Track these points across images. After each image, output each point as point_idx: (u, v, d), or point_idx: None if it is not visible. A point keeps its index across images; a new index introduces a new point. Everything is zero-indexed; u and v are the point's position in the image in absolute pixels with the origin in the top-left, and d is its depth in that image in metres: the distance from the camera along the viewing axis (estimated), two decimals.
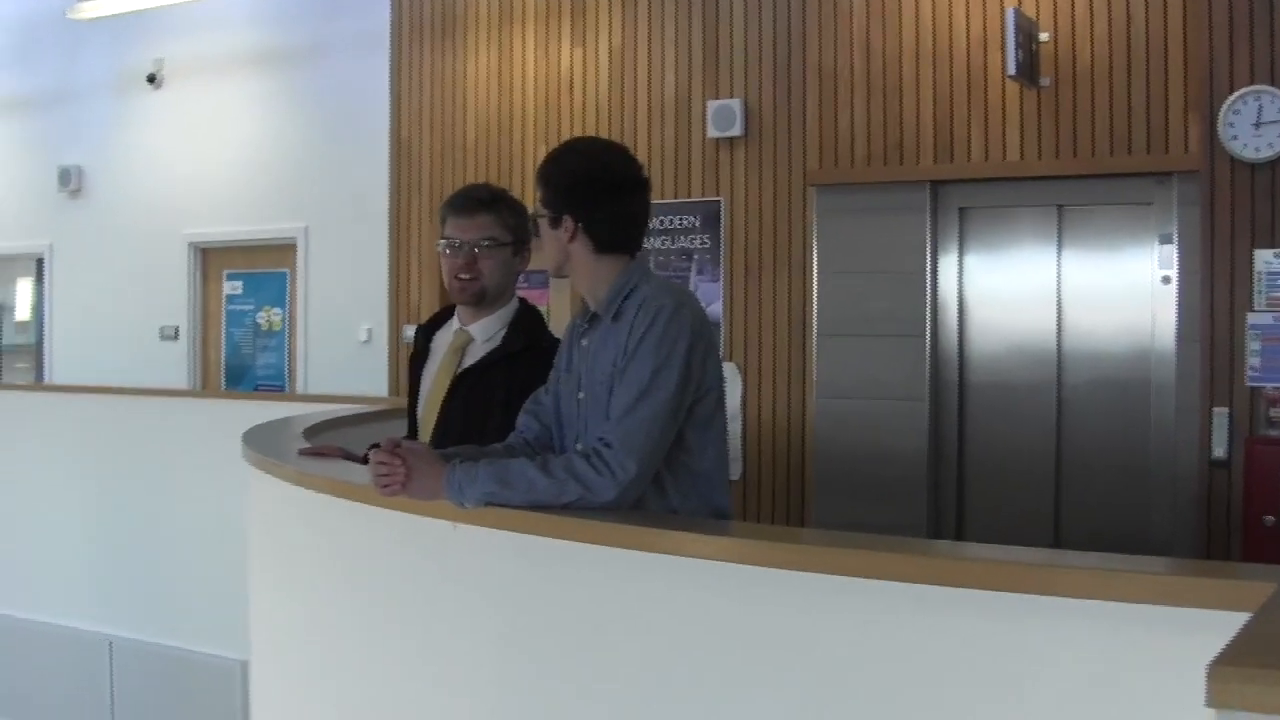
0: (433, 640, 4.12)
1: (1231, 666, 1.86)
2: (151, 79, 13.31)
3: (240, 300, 13.04)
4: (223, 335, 13.20)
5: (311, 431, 6.29)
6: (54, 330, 14.41)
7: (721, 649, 3.38)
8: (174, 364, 13.20)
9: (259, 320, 12.90)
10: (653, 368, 3.79)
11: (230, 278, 13.13)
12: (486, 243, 5.02)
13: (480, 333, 5.10)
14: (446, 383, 5.05)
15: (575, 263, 4.13)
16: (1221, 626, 2.22)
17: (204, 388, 13.17)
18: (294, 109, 12.56)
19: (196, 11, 12.37)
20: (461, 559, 3.98)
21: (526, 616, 3.81)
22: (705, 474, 4.00)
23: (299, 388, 12.37)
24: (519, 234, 5.10)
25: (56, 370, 14.25)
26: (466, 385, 4.99)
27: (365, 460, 5.06)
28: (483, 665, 3.92)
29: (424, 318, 10.55)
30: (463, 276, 5.02)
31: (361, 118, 11.99)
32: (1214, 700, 1.81)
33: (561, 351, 4.30)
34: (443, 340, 5.25)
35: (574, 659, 3.69)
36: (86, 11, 12.55)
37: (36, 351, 14.89)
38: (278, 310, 12.77)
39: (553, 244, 4.15)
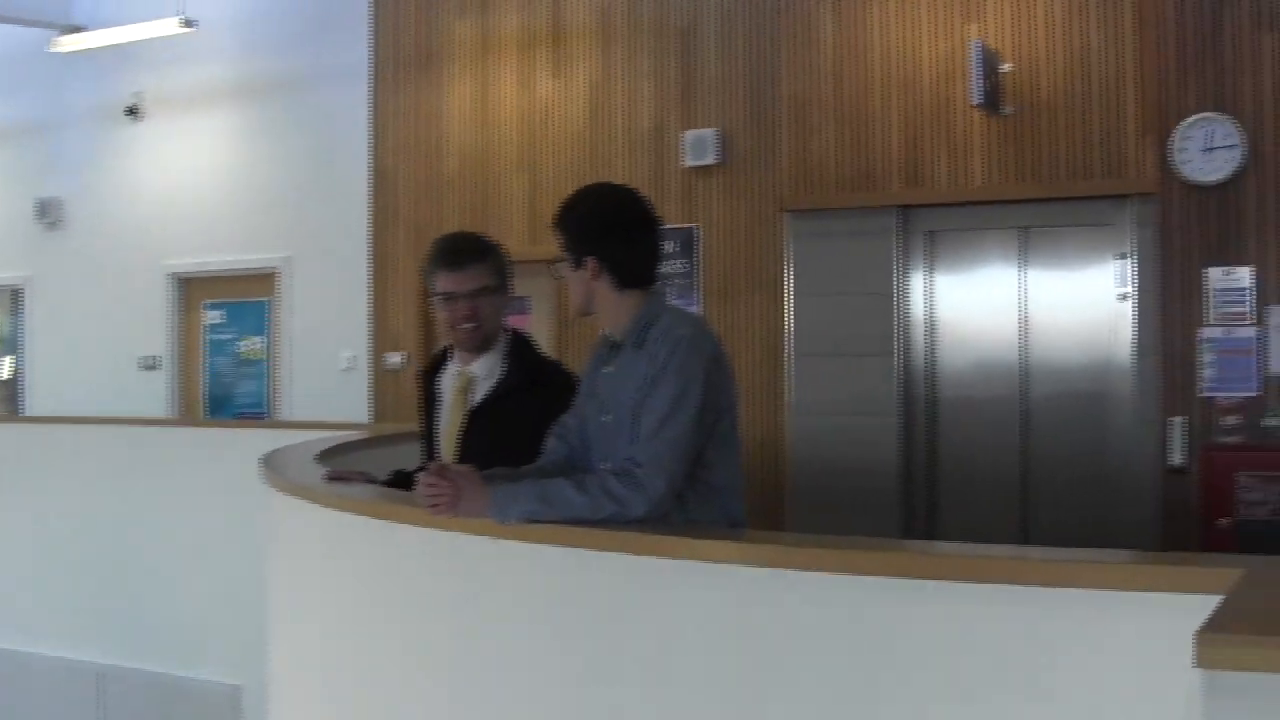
0: (473, 650, 4.38)
1: (1216, 633, 2.29)
2: (131, 111, 13.46)
3: (221, 330, 13.21)
4: (203, 365, 13.35)
5: (321, 457, 6.49)
6: (33, 362, 14.50)
7: (741, 645, 3.70)
8: (154, 394, 13.32)
9: (240, 349, 13.08)
10: (676, 392, 4.09)
11: (210, 307, 13.28)
12: (482, 291, 5.26)
13: (481, 370, 5.34)
14: (459, 422, 5.32)
15: (600, 300, 4.42)
16: (1197, 608, 2.59)
17: (185, 417, 13.25)
18: (274, 140, 12.76)
19: (176, 45, 12.50)
20: (502, 572, 4.25)
21: (565, 623, 4.09)
22: (722, 487, 4.30)
23: (281, 416, 12.53)
24: (504, 275, 5.38)
25: (36, 402, 14.32)
26: (478, 422, 5.25)
27: (390, 484, 5.45)
28: (526, 672, 4.19)
29: (404, 346, 11.01)
30: (465, 326, 5.25)
31: (342, 148, 12.22)
32: (1201, 661, 2.22)
33: (586, 378, 4.59)
34: (447, 382, 5.50)
35: (611, 660, 3.98)
36: (68, 45, 12.70)
37: (13, 383, 14.98)
38: (259, 339, 12.95)
39: (577, 285, 4.44)
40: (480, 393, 5.31)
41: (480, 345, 5.32)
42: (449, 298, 5.25)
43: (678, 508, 4.17)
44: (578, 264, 4.42)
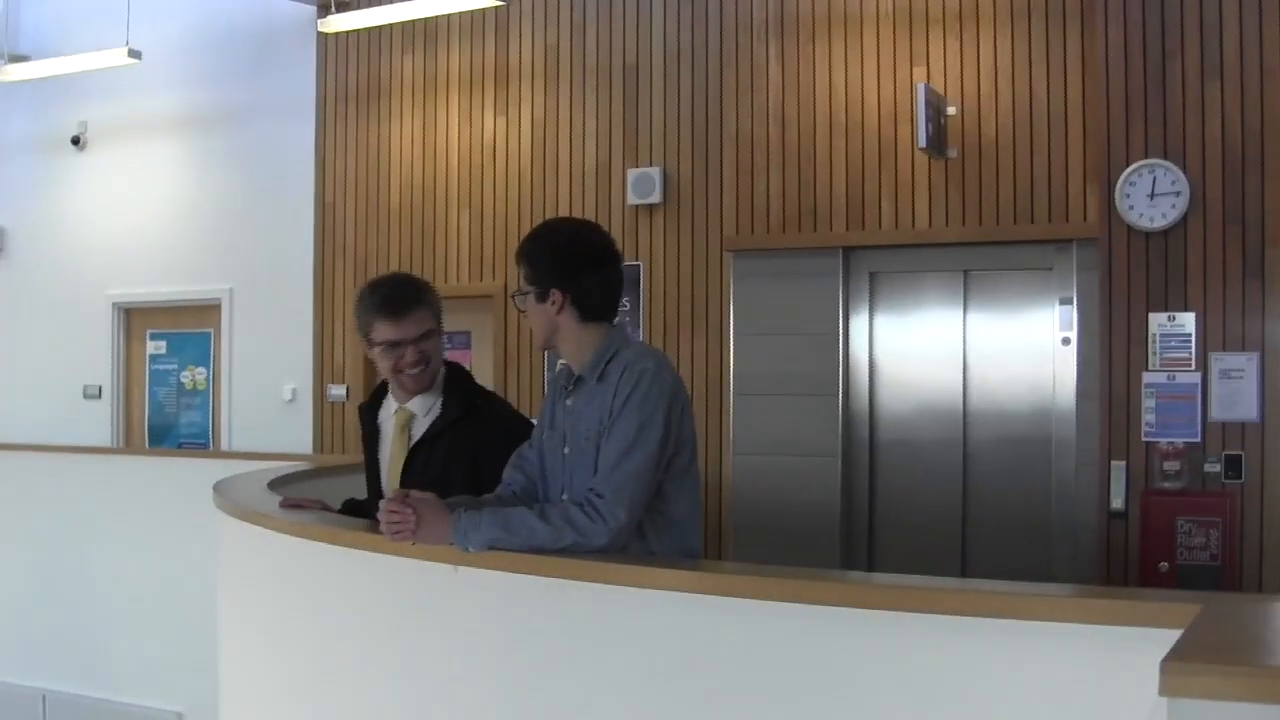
0: (429, 677, 4.42)
1: (1181, 661, 2.36)
2: (76, 141, 13.43)
3: (164, 360, 13.17)
4: (146, 394, 13.30)
5: (273, 485, 6.49)
6: None
7: (694, 672, 3.76)
8: (97, 423, 13.27)
9: (183, 379, 13.04)
10: (638, 424, 4.15)
11: (154, 337, 13.23)
12: (428, 335, 5.27)
13: (420, 407, 5.35)
14: (402, 458, 5.32)
15: (563, 333, 4.46)
16: (1156, 642, 2.64)
17: (127, 446, 13.21)
18: (219, 172, 12.71)
19: (122, 76, 12.45)
20: (461, 598, 4.30)
21: (523, 650, 4.14)
22: (680, 520, 4.36)
23: (223, 446, 12.49)
24: (440, 312, 5.39)
25: None
26: (420, 457, 5.25)
27: (343, 512, 5.48)
28: (483, 698, 4.23)
29: (348, 378, 10.93)
30: (412, 371, 5.25)
31: (287, 181, 12.22)
32: (1166, 690, 2.29)
33: (545, 410, 4.64)
34: (387, 418, 5.50)
35: (567, 687, 4.02)
36: (13, 74, 12.59)
37: None
38: (202, 370, 12.92)
39: (541, 317, 4.48)
40: (420, 429, 5.33)
41: (429, 387, 5.34)
42: (395, 346, 5.23)
43: (637, 539, 4.23)
44: (542, 297, 4.44)
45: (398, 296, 5.31)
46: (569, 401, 4.47)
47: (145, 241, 13.04)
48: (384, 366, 5.32)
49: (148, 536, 10.24)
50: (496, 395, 5.82)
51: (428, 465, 5.18)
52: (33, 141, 13.88)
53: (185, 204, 12.88)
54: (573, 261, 4.45)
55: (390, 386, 5.46)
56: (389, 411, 5.48)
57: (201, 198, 12.80)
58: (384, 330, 5.24)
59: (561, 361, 4.63)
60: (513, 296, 4.67)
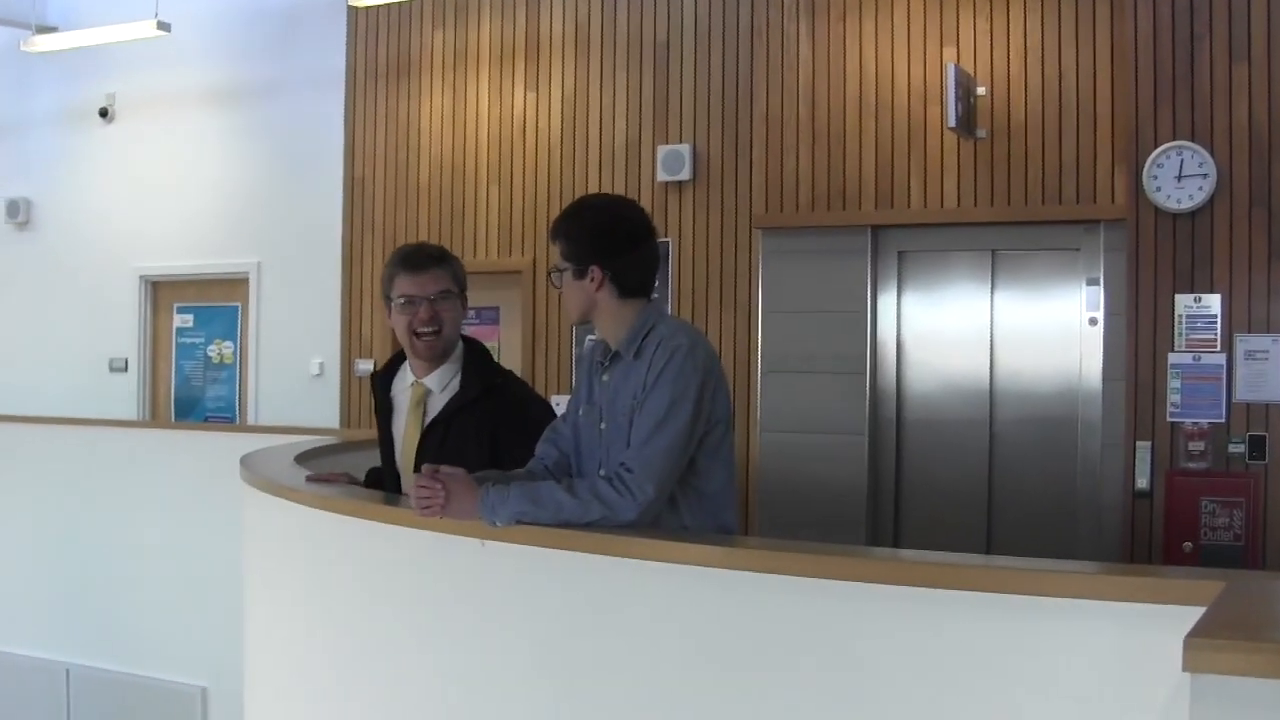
0: (456, 651, 4.43)
1: (1203, 638, 2.38)
2: (104, 113, 13.43)
3: (190, 333, 13.19)
4: (172, 368, 13.31)
5: (300, 459, 6.50)
6: (0, 362, 14.29)
7: (724, 645, 3.77)
8: (123, 396, 13.29)
9: (210, 353, 13.06)
10: (669, 400, 4.17)
11: (181, 311, 13.25)
12: (444, 295, 5.31)
13: (436, 383, 5.35)
14: (416, 435, 5.33)
15: (600, 309, 4.49)
16: (1179, 619, 2.66)
17: (153, 419, 13.24)
18: (248, 145, 12.73)
19: (150, 48, 12.42)
20: (489, 573, 4.31)
21: (550, 624, 4.15)
22: (714, 495, 4.38)
23: (250, 420, 12.53)
24: (463, 284, 5.44)
25: (3, 402, 13.96)
26: (435, 436, 5.26)
27: (366, 481, 5.51)
28: (510, 673, 4.26)
29: (375, 353, 10.99)
30: (425, 330, 5.26)
31: (315, 155, 12.20)
32: (1189, 665, 2.32)
33: (581, 385, 4.66)
34: (401, 391, 5.50)
35: (595, 661, 4.05)
36: (41, 45, 12.63)
37: None
38: (229, 343, 12.94)
39: (578, 294, 4.50)
40: (435, 405, 5.33)
41: (442, 356, 5.35)
42: (410, 301, 5.27)
43: (670, 513, 4.26)
44: (581, 274, 4.47)
45: (419, 253, 5.44)
46: (605, 377, 4.50)
47: (173, 215, 13.04)
48: (400, 326, 5.34)
49: (173, 510, 10.25)
50: (514, 375, 5.81)
51: (443, 444, 5.18)
52: (60, 114, 13.87)
53: (213, 177, 12.88)
54: (611, 238, 4.48)
55: (407, 358, 5.47)
56: (404, 384, 5.48)
57: (230, 171, 12.81)
58: (402, 284, 5.30)
59: (590, 337, 4.64)
60: (549, 274, 4.70)
